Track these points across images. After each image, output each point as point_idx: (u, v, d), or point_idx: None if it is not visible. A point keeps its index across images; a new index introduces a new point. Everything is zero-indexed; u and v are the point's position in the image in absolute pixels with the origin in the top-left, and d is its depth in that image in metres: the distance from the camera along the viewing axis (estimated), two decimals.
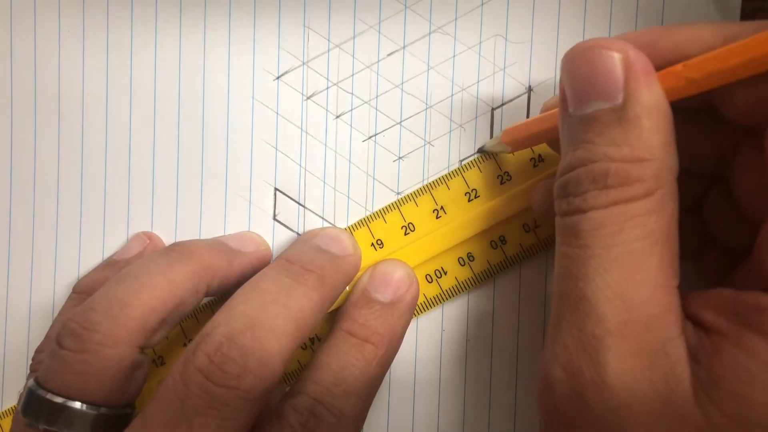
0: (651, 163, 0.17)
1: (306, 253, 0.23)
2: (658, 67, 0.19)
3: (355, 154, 0.26)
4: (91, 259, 0.27)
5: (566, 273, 0.18)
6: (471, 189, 0.25)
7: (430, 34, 0.26)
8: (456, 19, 0.25)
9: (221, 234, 0.26)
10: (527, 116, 0.25)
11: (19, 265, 0.27)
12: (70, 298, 0.26)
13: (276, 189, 0.26)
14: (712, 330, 0.17)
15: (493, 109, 0.26)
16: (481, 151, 0.25)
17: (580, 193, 0.18)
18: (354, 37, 0.26)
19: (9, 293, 0.27)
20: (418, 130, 0.26)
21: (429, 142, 0.26)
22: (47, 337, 0.26)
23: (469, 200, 0.25)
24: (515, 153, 0.25)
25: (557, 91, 0.25)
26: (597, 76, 0.18)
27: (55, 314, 0.27)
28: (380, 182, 0.26)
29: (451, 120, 0.26)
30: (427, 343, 0.26)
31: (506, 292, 0.26)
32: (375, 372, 0.23)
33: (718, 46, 0.18)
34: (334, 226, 0.26)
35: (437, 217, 0.25)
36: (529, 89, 0.25)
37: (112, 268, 0.26)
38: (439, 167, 0.26)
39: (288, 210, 0.26)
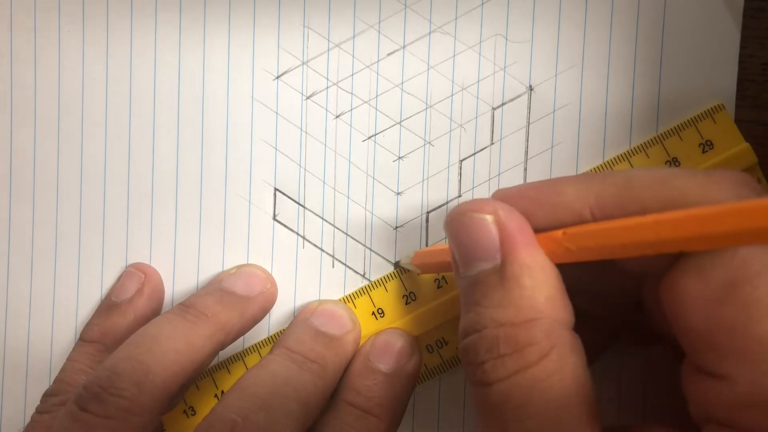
0: (539, 321, 0.17)
1: (305, 340, 0.24)
2: (543, 228, 0.19)
3: (355, 154, 0.26)
4: (91, 260, 0.27)
5: None
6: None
7: (430, 33, 0.25)
8: (456, 18, 0.25)
9: (220, 233, 0.26)
10: (528, 116, 0.25)
11: (20, 261, 0.27)
12: (79, 345, 0.26)
13: (276, 189, 0.26)
14: None
15: (493, 109, 0.26)
16: (396, 265, 0.26)
17: (479, 363, 0.18)
18: (354, 37, 0.26)
19: (9, 294, 0.27)
20: (418, 130, 0.26)
21: (429, 142, 0.26)
22: (59, 380, 0.25)
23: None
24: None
25: (557, 92, 0.25)
26: (474, 238, 0.19)
27: (55, 317, 0.27)
28: (380, 182, 0.26)
29: (451, 120, 0.26)
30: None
31: None
32: None
33: (586, 212, 0.18)
34: (331, 300, 0.26)
35: (438, 287, 0.25)
36: (530, 89, 0.25)
37: (116, 312, 0.26)
38: (439, 167, 0.26)
39: (288, 210, 0.26)
